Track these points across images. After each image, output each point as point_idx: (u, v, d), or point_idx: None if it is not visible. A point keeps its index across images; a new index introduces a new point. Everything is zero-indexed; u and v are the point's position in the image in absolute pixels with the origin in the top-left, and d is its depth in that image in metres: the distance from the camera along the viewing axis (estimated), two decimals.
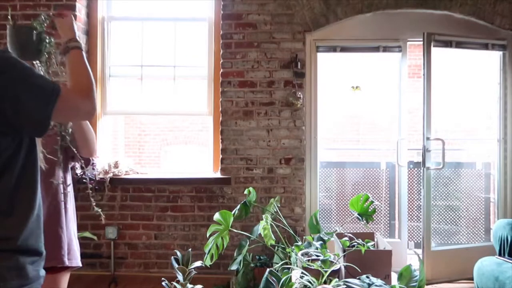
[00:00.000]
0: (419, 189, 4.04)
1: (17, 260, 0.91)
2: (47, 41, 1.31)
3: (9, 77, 0.91)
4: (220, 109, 3.33)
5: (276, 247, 2.92)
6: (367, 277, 2.07)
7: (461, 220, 3.65)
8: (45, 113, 0.95)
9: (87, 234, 3.02)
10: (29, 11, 3.26)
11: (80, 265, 1.86)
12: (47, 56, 1.36)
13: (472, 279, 2.79)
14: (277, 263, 2.61)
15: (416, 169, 4.13)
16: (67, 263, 1.79)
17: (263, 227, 2.56)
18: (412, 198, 4.10)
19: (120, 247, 3.34)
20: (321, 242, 2.50)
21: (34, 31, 1.26)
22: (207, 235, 2.68)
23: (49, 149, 1.58)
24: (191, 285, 2.17)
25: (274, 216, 2.93)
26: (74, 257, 1.84)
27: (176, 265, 2.21)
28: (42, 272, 0.99)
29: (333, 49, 3.44)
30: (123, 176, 3.29)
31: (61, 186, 1.82)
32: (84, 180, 3.21)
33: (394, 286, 2.06)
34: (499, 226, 2.82)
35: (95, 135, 1.78)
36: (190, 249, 2.37)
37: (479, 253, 3.05)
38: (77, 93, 1.05)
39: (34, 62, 1.44)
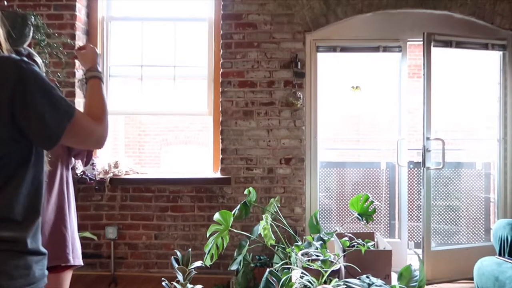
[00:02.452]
0: (419, 189, 4.04)
1: (25, 260, 0.94)
2: (31, 23, 1.30)
3: (29, 85, 0.92)
4: (220, 109, 3.33)
5: (276, 247, 2.92)
6: (367, 277, 2.07)
7: (461, 220, 3.65)
8: (57, 129, 0.97)
9: (87, 234, 3.02)
10: (29, 11, 3.24)
11: (82, 263, 1.87)
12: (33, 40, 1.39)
13: (472, 279, 2.79)
14: (277, 263, 2.61)
15: (416, 169, 4.12)
16: (72, 261, 1.80)
17: (263, 227, 2.56)
18: (412, 198, 4.10)
19: (120, 247, 3.34)
20: (321, 242, 2.50)
21: (19, 16, 1.28)
22: (207, 235, 2.68)
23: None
24: (191, 285, 2.17)
25: (274, 216, 2.93)
26: (77, 255, 1.85)
27: (176, 265, 2.21)
28: (46, 272, 1.02)
29: (333, 49, 3.44)
30: (123, 176, 3.29)
31: (64, 185, 1.83)
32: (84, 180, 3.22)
33: (394, 286, 2.06)
34: (499, 226, 2.82)
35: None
36: (190, 249, 2.37)
37: (479, 253, 3.05)
38: (91, 119, 1.07)
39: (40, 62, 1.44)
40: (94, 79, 1.21)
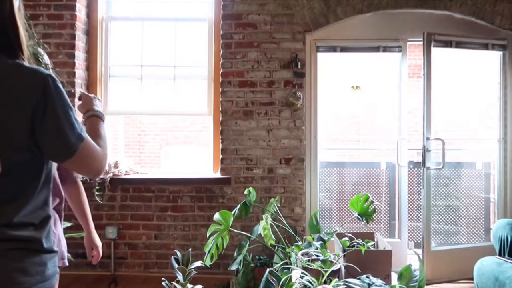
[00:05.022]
0: (419, 189, 4.04)
1: (41, 257, 1.01)
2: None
3: (51, 100, 0.96)
4: (220, 109, 3.33)
5: (276, 247, 2.92)
6: (367, 277, 2.07)
7: (461, 220, 3.65)
8: (73, 145, 1.02)
9: None
10: (29, 11, 3.25)
11: (67, 264, 1.87)
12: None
13: (472, 279, 2.79)
14: (277, 263, 2.61)
15: (416, 169, 4.12)
16: (61, 263, 1.80)
17: (263, 227, 2.56)
18: (412, 198, 4.10)
19: (120, 247, 3.34)
20: (321, 242, 2.50)
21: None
22: (207, 235, 2.68)
23: None
24: (191, 285, 2.17)
25: (274, 216, 2.93)
26: (63, 256, 1.85)
27: (176, 265, 2.21)
28: (57, 269, 1.08)
29: (333, 49, 3.44)
30: (123, 176, 3.30)
31: (51, 184, 1.82)
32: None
33: (394, 286, 2.06)
34: (499, 226, 2.82)
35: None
36: (190, 249, 2.37)
37: (479, 253, 3.05)
38: (97, 146, 1.12)
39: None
40: (92, 118, 1.27)
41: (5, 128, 0.94)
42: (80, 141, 1.03)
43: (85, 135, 1.06)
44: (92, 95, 1.37)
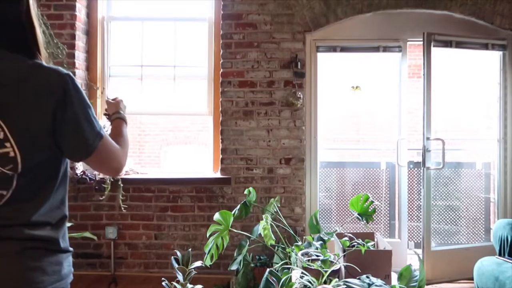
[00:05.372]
0: (419, 189, 4.04)
1: (57, 257, 1.02)
2: None
3: (71, 98, 0.98)
4: (220, 109, 3.33)
5: (276, 247, 2.92)
6: (367, 277, 2.07)
7: (461, 220, 3.65)
8: (93, 143, 1.04)
9: (87, 234, 3.01)
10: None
11: None
12: None
13: (472, 279, 2.79)
14: (277, 263, 2.61)
15: (416, 169, 4.12)
16: None
17: (263, 227, 2.56)
18: (412, 198, 4.10)
19: (120, 247, 3.34)
20: (321, 242, 2.50)
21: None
22: (207, 235, 2.68)
23: None
24: (191, 285, 2.17)
25: (274, 216, 2.93)
26: None
27: (176, 265, 2.21)
28: (72, 268, 1.09)
29: (333, 49, 3.44)
30: (123, 176, 3.29)
31: None
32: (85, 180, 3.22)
33: (394, 286, 2.06)
34: (499, 226, 2.82)
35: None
36: (190, 249, 2.37)
37: (479, 253, 3.05)
38: (116, 145, 1.15)
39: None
40: (118, 120, 1.35)
41: (27, 128, 0.95)
42: (99, 139, 1.05)
43: (104, 133, 1.08)
44: (119, 99, 1.45)
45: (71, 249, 1.08)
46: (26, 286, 0.94)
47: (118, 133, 1.27)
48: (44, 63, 1.01)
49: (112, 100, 1.46)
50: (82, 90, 1.02)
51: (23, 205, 0.98)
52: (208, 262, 2.55)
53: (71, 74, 1.01)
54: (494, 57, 3.49)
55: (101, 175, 3.22)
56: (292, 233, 2.94)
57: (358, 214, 2.76)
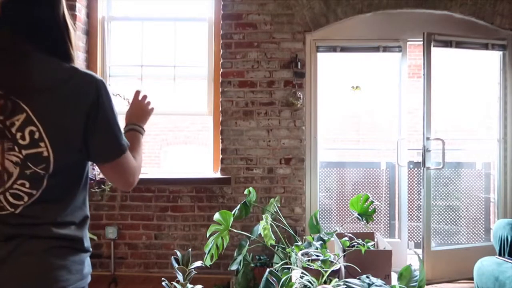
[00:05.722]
0: (419, 189, 4.04)
1: (80, 256, 1.05)
2: None
3: (103, 103, 1.01)
4: (220, 109, 3.33)
5: (276, 247, 2.92)
6: (367, 277, 2.07)
7: (461, 220, 3.65)
8: (121, 146, 1.06)
9: None
10: None
11: None
12: None
13: (472, 279, 2.79)
14: (277, 263, 2.61)
15: (416, 169, 4.13)
16: None
17: (263, 227, 2.56)
18: (412, 198, 4.10)
19: (120, 247, 3.34)
20: (321, 242, 2.50)
21: None
22: (207, 235, 2.68)
23: None
24: (191, 285, 2.17)
25: (274, 216, 2.93)
26: None
27: (176, 265, 2.21)
28: (91, 268, 1.12)
29: (333, 49, 3.44)
30: None
31: None
32: None
33: (394, 286, 2.06)
34: (499, 226, 2.82)
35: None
36: (190, 249, 2.37)
37: (479, 253, 3.05)
38: (134, 161, 1.17)
39: None
40: (134, 132, 1.27)
41: (63, 130, 0.97)
42: (127, 145, 1.08)
43: (128, 143, 1.10)
44: (142, 99, 1.35)
45: (91, 249, 1.11)
46: (53, 285, 0.96)
47: (133, 148, 1.20)
48: (79, 67, 1.03)
49: (135, 101, 1.34)
50: (112, 96, 1.05)
51: (51, 204, 1.00)
52: (208, 262, 2.55)
53: (103, 80, 1.04)
54: (494, 57, 3.49)
55: (101, 175, 3.22)
56: (292, 233, 2.94)
57: (358, 214, 2.76)
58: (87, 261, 1.08)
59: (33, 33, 0.98)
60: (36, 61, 0.96)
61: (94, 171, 3.20)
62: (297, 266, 2.29)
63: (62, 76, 0.98)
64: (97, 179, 3.20)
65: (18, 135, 0.93)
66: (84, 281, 1.05)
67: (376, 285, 1.98)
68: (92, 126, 0.99)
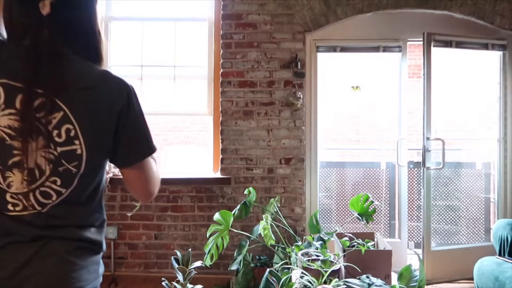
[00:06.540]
0: (419, 189, 4.04)
1: (97, 257, 1.08)
2: None
3: (133, 107, 1.04)
4: (220, 109, 3.33)
5: (276, 247, 2.92)
6: (367, 277, 2.07)
7: (461, 220, 3.65)
8: (150, 148, 1.08)
9: None
10: None
11: None
12: None
13: (472, 279, 2.79)
14: (277, 263, 2.61)
15: (416, 169, 4.13)
16: None
17: (263, 227, 2.56)
18: (412, 198, 4.10)
19: (120, 247, 3.34)
20: (321, 242, 2.50)
21: None
22: (207, 235, 2.68)
23: None
24: (191, 285, 2.18)
25: (274, 216, 2.93)
26: None
27: (176, 265, 2.21)
28: (104, 268, 1.15)
29: (333, 49, 3.44)
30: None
31: None
32: None
33: (394, 286, 2.06)
34: (499, 226, 2.82)
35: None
36: (190, 249, 2.37)
37: (479, 253, 3.05)
38: (157, 172, 1.17)
39: None
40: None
41: (96, 130, 0.99)
42: (155, 149, 1.09)
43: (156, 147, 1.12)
44: None
45: (105, 249, 1.15)
46: (74, 284, 0.99)
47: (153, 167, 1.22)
48: (110, 71, 1.06)
49: None
50: (141, 103, 1.08)
51: (75, 206, 1.02)
52: (208, 262, 2.55)
53: (133, 86, 1.08)
54: (494, 57, 3.49)
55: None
56: (292, 233, 2.94)
57: (358, 214, 2.76)
58: (101, 261, 1.12)
59: (70, 35, 1.01)
60: (73, 62, 0.99)
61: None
62: (297, 266, 2.29)
63: (97, 78, 1.01)
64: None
65: (55, 132, 0.96)
66: (98, 280, 1.08)
67: (376, 285, 1.98)
68: (124, 125, 1.02)
